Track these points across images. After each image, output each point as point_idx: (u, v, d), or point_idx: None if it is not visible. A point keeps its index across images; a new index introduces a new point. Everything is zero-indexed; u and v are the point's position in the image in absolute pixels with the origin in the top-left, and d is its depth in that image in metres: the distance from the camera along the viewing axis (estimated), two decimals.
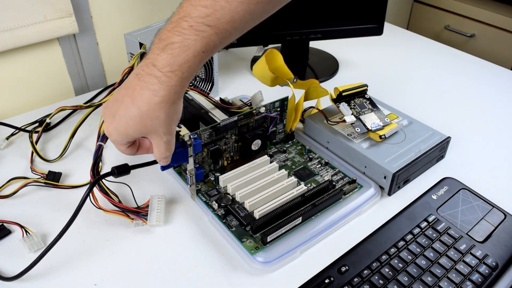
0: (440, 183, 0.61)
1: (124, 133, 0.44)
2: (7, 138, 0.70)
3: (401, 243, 0.51)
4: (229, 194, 0.56)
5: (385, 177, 0.58)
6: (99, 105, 0.68)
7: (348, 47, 1.01)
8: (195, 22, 0.40)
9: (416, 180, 0.63)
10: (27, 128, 0.71)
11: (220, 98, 0.68)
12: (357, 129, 0.62)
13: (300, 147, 0.67)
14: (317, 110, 0.69)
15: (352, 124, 0.63)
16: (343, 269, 0.48)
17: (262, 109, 0.61)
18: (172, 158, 0.50)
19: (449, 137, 0.64)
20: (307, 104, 0.71)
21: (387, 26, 1.01)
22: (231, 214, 0.54)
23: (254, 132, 0.61)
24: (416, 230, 0.53)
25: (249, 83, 0.87)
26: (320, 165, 0.63)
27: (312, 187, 0.58)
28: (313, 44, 0.99)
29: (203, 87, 0.78)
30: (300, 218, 0.52)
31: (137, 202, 0.57)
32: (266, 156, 0.61)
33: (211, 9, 0.40)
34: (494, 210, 0.56)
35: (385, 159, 0.59)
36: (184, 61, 0.41)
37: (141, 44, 0.67)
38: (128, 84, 0.43)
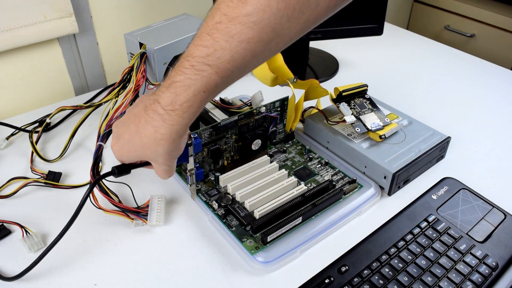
0: (440, 183, 0.61)
1: (126, 156, 0.47)
2: (7, 138, 0.70)
3: (401, 243, 0.51)
4: (229, 194, 0.56)
5: (385, 177, 0.58)
6: (99, 105, 0.68)
7: (348, 47, 1.01)
8: (196, 62, 0.41)
9: (416, 180, 0.62)
10: (27, 128, 0.71)
11: (220, 98, 0.68)
12: (357, 129, 0.62)
13: (300, 147, 0.67)
14: (317, 110, 0.69)
15: (352, 124, 0.63)
16: (343, 269, 0.48)
17: (262, 109, 0.61)
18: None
19: (449, 137, 0.64)
20: (307, 104, 0.71)
21: (387, 26, 1.01)
22: (231, 214, 0.54)
23: (254, 132, 0.61)
24: (416, 230, 0.53)
25: (249, 83, 0.87)
26: (320, 165, 0.63)
27: (312, 187, 0.58)
28: (313, 44, 0.99)
29: None
30: (300, 218, 0.52)
31: (137, 202, 0.57)
32: (266, 156, 0.61)
33: (211, 48, 0.40)
34: (494, 210, 0.56)
35: (385, 159, 0.59)
36: (185, 100, 0.41)
37: (141, 44, 0.67)
38: (136, 112, 0.45)
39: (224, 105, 0.66)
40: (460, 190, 0.59)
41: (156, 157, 0.45)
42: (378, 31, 0.88)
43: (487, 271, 0.48)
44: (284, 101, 0.64)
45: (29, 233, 0.52)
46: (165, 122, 0.42)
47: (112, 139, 0.48)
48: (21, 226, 0.53)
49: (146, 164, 0.53)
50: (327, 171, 0.62)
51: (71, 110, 0.76)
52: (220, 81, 0.42)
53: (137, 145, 0.45)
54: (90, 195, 0.53)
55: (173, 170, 0.48)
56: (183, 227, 0.55)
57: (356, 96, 0.66)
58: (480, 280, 0.47)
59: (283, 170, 0.59)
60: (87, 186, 0.56)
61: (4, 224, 0.54)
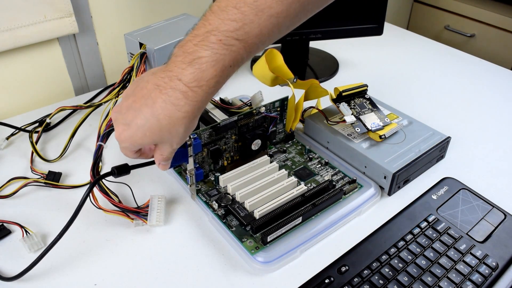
0: (440, 183, 0.61)
1: (139, 142, 0.44)
2: (7, 138, 0.70)
3: (401, 243, 0.51)
4: (229, 194, 0.56)
5: (385, 177, 0.58)
6: (99, 105, 0.68)
7: (348, 47, 1.01)
8: (224, 36, 0.40)
9: (416, 180, 0.62)
10: (27, 128, 0.71)
11: (220, 98, 0.68)
12: (357, 129, 0.62)
13: (300, 147, 0.67)
14: (317, 110, 0.69)
15: (352, 124, 0.63)
16: (343, 269, 0.48)
17: (262, 109, 0.61)
18: (172, 158, 0.50)
19: (449, 137, 0.64)
20: (307, 104, 0.71)
21: (387, 26, 1.01)
22: (231, 214, 0.54)
23: (254, 132, 0.61)
24: (416, 230, 0.53)
25: (249, 83, 0.87)
26: (320, 165, 0.63)
27: (312, 187, 0.58)
28: (313, 44, 0.99)
29: None
30: (300, 218, 0.52)
31: (137, 202, 0.57)
32: (266, 156, 0.61)
33: (240, 23, 0.39)
34: (494, 210, 0.56)
35: (385, 159, 0.59)
36: (212, 76, 0.40)
37: (141, 44, 0.67)
38: (146, 93, 0.42)
39: (224, 105, 0.66)
40: (460, 190, 0.59)
41: (173, 138, 0.43)
42: (378, 31, 0.88)
43: (487, 271, 0.48)
44: (284, 101, 0.64)
45: (29, 233, 0.52)
46: (188, 99, 0.40)
47: (118, 127, 0.44)
48: (21, 226, 0.53)
49: (146, 164, 0.53)
50: (327, 171, 0.62)
51: (71, 110, 0.76)
52: (246, 56, 0.42)
53: (154, 128, 0.42)
54: (90, 195, 0.53)
55: (175, 151, 0.47)
56: (183, 227, 0.55)
57: (356, 96, 0.66)
58: (480, 280, 0.47)
59: (283, 170, 0.59)
60: (87, 186, 0.56)
61: (4, 224, 0.54)
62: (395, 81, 0.89)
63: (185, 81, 0.40)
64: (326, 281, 0.47)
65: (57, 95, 0.85)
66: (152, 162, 0.53)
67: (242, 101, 0.67)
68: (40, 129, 0.70)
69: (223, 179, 0.58)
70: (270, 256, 0.49)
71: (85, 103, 0.77)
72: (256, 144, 0.62)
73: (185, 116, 0.41)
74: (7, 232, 0.53)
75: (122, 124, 0.44)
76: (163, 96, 0.41)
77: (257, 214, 0.52)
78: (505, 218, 0.55)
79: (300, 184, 0.58)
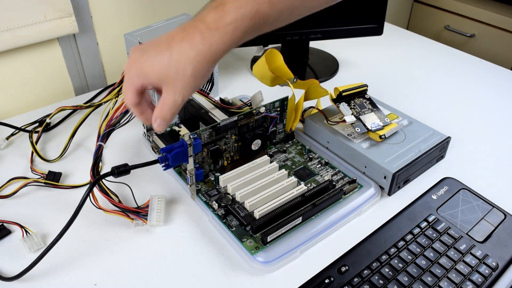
0: (440, 183, 0.61)
1: (144, 73, 0.44)
2: (7, 138, 0.70)
3: (401, 243, 0.51)
4: (229, 194, 0.56)
5: (385, 177, 0.58)
6: (99, 105, 0.68)
7: (348, 47, 1.01)
8: None
9: (416, 180, 0.62)
10: (27, 128, 0.71)
11: (220, 98, 0.68)
12: (357, 129, 0.62)
13: (300, 147, 0.67)
14: (317, 110, 0.69)
15: (352, 124, 0.63)
16: (343, 269, 0.48)
17: (262, 109, 0.61)
18: (172, 158, 0.51)
19: (449, 137, 0.64)
20: (307, 104, 0.71)
21: (387, 26, 1.01)
22: (231, 214, 0.54)
23: (254, 132, 0.61)
24: (416, 230, 0.53)
25: (249, 83, 0.87)
26: (320, 165, 0.63)
27: (312, 187, 0.58)
28: (313, 44, 0.99)
29: (203, 87, 0.78)
30: (300, 218, 0.52)
31: (137, 202, 0.57)
32: (266, 156, 0.61)
33: None
34: (494, 210, 0.56)
35: (385, 159, 0.59)
36: (230, 20, 0.42)
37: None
38: (170, 33, 0.44)
39: (224, 105, 0.66)
40: (460, 190, 0.59)
41: (178, 80, 0.43)
42: (378, 31, 0.88)
43: (487, 271, 0.48)
44: (284, 101, 0.64)
45: (29, 233, 0.52)
46: (204, 39, 0.42)
47: (131, 56, 0.45)
48: (21, 226, 0.53)
49: (146, 164, 0.53)
50: (327, 171, 0.62)
51: (71, 110, 0.76)
52: (268, 15, 0.43)
53: (164, 61, 0.43)
54: (90, 195, 0.53)
55: (179, 108, 0.45)
56: (183, 227, 0.55)
57: (356, 96, 0.66)
58: (480, 280, 0.47)
59: (283, 170, 0.59)
60: (87, 186, 0.56)
61: (4, 224, 0.54)
62: (395, 81, 0.89)
63: (206, 22, 0.42)
64: (326, 281, 0.47)
65: (57, 95, 0.85)
66: (152, 162, 0.53)
67: (242, 101, 0.67)
68: (40, 129, 0.70)
69: (223, 179, 0.58)
70: (270, 256, 0.49)
71: (85, 103, 0.77)
72: (256, 144, 0.62)
73: (196, 55, 0.42)
74: (7, 232, 0.53)
75: (135, 53, 0.45)
76: (183, 34, 0.43)
77: (257, 214, 0.52)
78: (505, 218, 0.55)
79: (300, 184, 0.58)
